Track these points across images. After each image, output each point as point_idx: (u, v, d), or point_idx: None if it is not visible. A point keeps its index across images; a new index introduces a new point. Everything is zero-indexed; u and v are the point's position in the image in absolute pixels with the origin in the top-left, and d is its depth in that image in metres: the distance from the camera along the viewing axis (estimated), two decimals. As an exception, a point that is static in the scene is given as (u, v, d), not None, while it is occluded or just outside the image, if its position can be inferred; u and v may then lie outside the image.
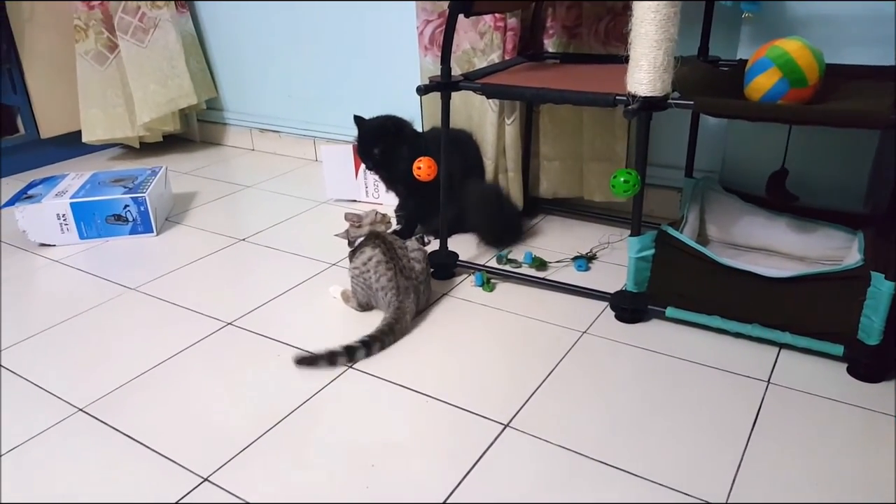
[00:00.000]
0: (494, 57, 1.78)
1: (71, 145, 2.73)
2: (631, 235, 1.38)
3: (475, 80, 1.52)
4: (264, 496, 1.02)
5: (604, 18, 1.73)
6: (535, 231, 1.88)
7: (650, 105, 1.25)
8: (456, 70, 1.82)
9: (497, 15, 1.73)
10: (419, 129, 1.91)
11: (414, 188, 1.66)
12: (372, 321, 1.46)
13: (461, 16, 1.47)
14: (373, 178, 2.11)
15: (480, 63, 1.81)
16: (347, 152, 2.12)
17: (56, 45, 2.60)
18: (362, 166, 2.10)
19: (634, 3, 1.21)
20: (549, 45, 1.82)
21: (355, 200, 2.18)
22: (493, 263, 1.69)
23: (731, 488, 0.99)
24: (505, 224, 1.79)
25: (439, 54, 1.50)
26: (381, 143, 1.75)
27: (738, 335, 1.34)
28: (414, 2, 1.89)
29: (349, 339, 1.40)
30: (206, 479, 1.05)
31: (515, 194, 1.90)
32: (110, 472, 1.08)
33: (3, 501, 1.03)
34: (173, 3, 2.57)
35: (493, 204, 1.78)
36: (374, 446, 1.10)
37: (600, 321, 1.43)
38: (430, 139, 1.79)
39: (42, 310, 1.59)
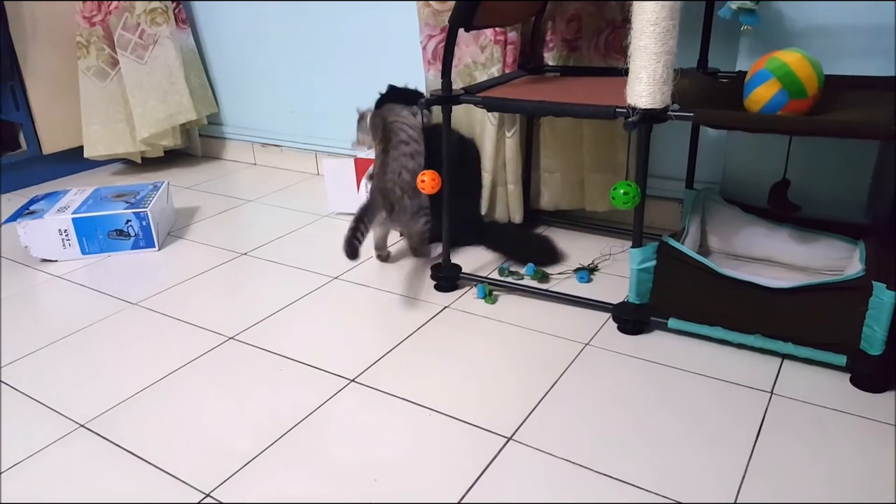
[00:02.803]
0: (495, 70, 1.79)
1: (73, 161, 2.74)
2: (632, 247, 1.38)
3: (476, 94, 1.53)
4: (267, 511, 1.01)
5: (603, 31, 1.74)
6: (536, 243, 1.87)
7: (650, 117, 1.26)
8: (458, 84, 1.83)
9: (497, 29, 1.74)
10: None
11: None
12: (381, 328, 1.46)
13: (461, 30, 1.48)
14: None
15: (481, 77, 1.82)
16: (349, 166, 2.13)
17: (58, 62, 2.61)
18: (363, 180, 2.11)
19: (633, 16, 1.22)
20: (549, 58, 1.82)
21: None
22: (496, 275, 1.69)
23: (735, 500, 0.99)
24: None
25: (442, 68, 1.50)
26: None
27: (740, 346, 1.33)
28: (417, 10, 1.90)
29: (353, 352, 1.40)
30: (207, 495, 1.05)
31: (515, 207, 1.90)
32: (111, 488, 1.08)
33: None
34: (173, 19, 2.58)
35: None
36: (376, 460, 1.10)
37: (603, 333, 1.43)
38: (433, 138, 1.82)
39: (43, 325, 1.59)
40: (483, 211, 1.91)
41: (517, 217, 1.92)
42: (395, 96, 1.87)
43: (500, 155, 1.85)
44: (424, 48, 1.91)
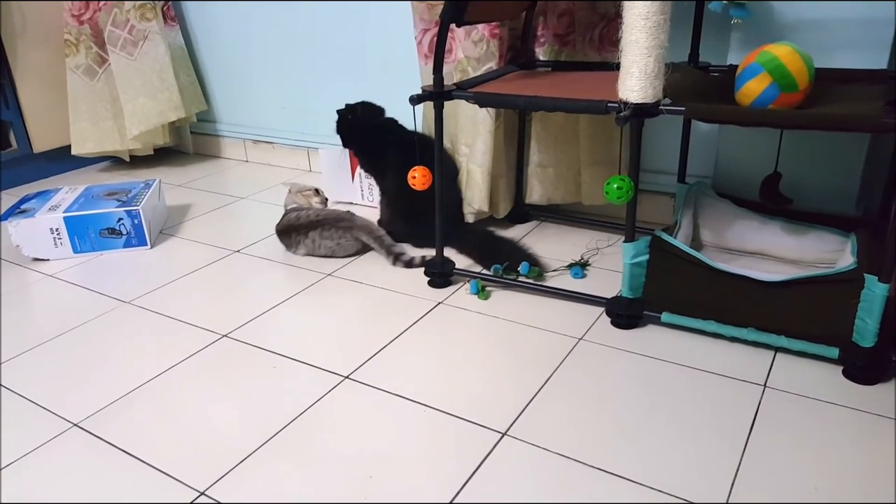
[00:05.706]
0: (492, 65, 1.78)
1: (64, 159, 2.73)
2: (625, 241, 1.38)
3: (467, 89, 1.53)
4: (262, 509, 1.01)
5: (598, 25, 1.74)
6: (529, 239, 1.88)
7: (642, 112, 1.26)
8: (456, 77, 1.83)
9: (492, 24, 1.74)
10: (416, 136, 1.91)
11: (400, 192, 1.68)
12: (375, 324, 1.46)
13: (454, 26, 1.47)
14: (368, 181, 2.16)
15: (475, 72, 1.81)
16: (344, 156, 2.17)
17: (48, 60, 2.60)
18: (358, 170, 2.16)
19: (624, 10, 1.22)
20: (541, 53, 1.82)
21: (352, 203, 2.23)
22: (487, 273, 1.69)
23: (729, 492, 0.99)
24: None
25: (438, 62, 1.50)
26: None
27: (733, 339, 1.34)
28: (412, 4, 1.89)
29: (346, 349, 1.40)
30: (202, 493, 1.04)
31: (498, 201, 1.90)
32: (106, 487, 1.07)
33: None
34: (161, 16, 2.57)
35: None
36: (371, 457, 1.10)
37: (596, 327, 1.43)
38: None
39: (36, 325, 1.58)
40: (478, 205, 1.89)
41: (501, 212, 1.92)
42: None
43: (495, 150, 1.84)
44: (419, 42, 1.91)
